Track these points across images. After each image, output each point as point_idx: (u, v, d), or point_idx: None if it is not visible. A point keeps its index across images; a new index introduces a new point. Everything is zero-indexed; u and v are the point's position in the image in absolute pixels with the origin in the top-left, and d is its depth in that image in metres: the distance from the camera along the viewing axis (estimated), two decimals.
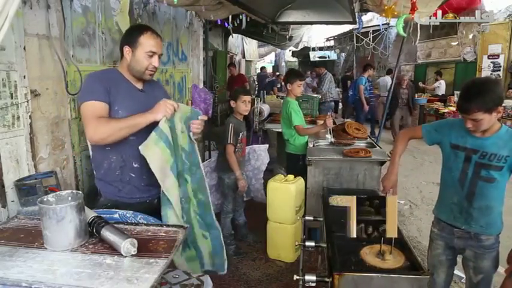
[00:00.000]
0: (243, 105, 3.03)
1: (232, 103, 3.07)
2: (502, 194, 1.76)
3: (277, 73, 14.77)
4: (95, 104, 1.58)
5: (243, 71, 12.72)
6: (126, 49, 1.69)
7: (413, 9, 3.24)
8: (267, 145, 3.64)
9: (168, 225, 1.44)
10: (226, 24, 4.56)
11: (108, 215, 1.48)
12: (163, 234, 1.35)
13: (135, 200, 1.73)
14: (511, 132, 1.71)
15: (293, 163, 3.35)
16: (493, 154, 1.69)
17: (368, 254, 1.58)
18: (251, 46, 12.62)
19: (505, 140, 1.68)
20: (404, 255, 1.56)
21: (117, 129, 1.53)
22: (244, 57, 12.53)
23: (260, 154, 3.70)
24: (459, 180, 1.80)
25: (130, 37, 1.69)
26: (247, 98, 3.05)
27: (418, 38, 4.21)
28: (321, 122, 3.82)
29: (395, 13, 3.55)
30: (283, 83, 10.50)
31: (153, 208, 1.76)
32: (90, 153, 1.83)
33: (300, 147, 3.32)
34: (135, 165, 1.70)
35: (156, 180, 1.66)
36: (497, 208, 1.76)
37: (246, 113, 3.11)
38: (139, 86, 1.78)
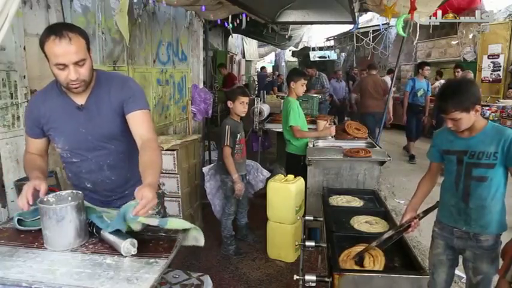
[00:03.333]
0: (240, 107, 2.94)
1: (229, 103, 2.98)
2: (499, 193, 1.74)
3: (277, 73, 14.77)
4: (27, 139, 1.57)
5: (243, 71, 12.72)
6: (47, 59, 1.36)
7: (412, 9, 3.24)
8: (269, 174, 3.55)
9: None
10: (226, 24, 4.55)
11: None
12: (163, 234, 1.35)
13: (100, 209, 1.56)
14: (497, 128, 1.71)
15: (293, 163, 3.33)
16: (481, 152, 1.70)
17: (346, 261, 1.54)
18: (251, 46, 12.63)
19: (491, 137, 1.69)
20: (385, 258, 1.54)
21: (26, 172, 1.50)
22: (244, 57, 12.54)
23: (259, 176, 3.56)
24: (454, 183, 1.82)
25: (40, 45, 1.35)
26: (246, 99, 2.95)
27: (417, 37, 4.22)
28: (321, 122, 3.82)
29: (395, 13, 3.56)
30: (284, 82, 10.64)
31: None
32: None
33: (300, 148, 3.28)
34: (88, 185, 1.59)
35: (119, 195, 1.63)
36: (495, 207, 1.75)
37: (244, 115, 3.04)
38: (80, 100, 1.47)
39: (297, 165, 3.24)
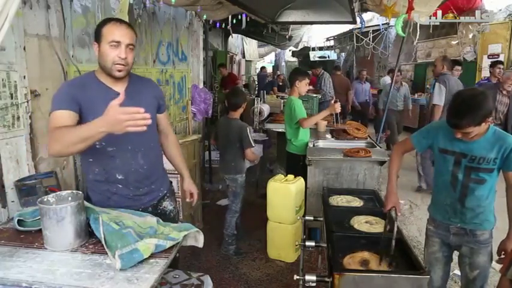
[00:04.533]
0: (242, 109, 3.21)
1: (243, 106, 3.16)
2: (492, 192, 1.79)
3: (278, 72, 14.76)
4: (57, 114, 1.43)
5: (243, 71, 12.73)
6: (95, 46, 1.52)
7: (409, 9, 3.25)
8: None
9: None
10: (217, 24, 4.55)
11: None
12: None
13: (125, 209, 1.58)
14: (498, 133, 1.72)
15: (293, 163, 3.33)
16: (482, 157, 1.71)
17: (351, 264, 1.55)
18: (251, 46, 12.63)
19: (492, 142, 1.69)
20: (389, 262, 1.53)
21: (68, 143, 1.30)
22: (244, 57, 12.53)
23: None
24: (451, 184, 1.83)
25: (96, 31, 1.52)
26: None
27: (417, 37, 4.21)
28: (321, 121, 3.83)
29: (395, 13, 3.56)
30: (283, 82, 10.62)
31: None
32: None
33: (301, 148, 3.29)
34: (119, 177, 1.60)
35: (147, 189, 1.67)
36: (489, 205, 1.80)
37: None
38: (118, 88, 1.56)
39: (296, 165, 3.24)
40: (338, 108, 3.23)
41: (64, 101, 1.45)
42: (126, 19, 2.73)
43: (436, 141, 1.86)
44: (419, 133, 1.96)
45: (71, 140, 1.29)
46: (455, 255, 1.98)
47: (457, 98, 1.66)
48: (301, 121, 3.20)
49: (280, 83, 10.47)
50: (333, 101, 3.30)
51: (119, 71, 1.50)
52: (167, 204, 1.82)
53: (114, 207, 1.58)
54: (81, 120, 1.47)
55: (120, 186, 1.61)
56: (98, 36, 1.50)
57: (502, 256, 1.78)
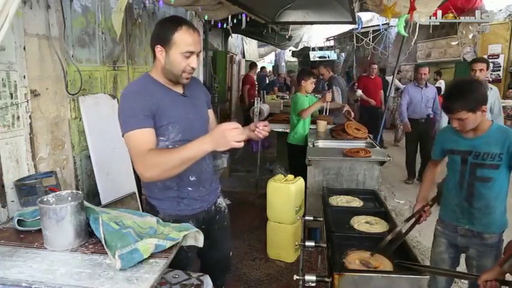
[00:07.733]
0: None
1: None
2: (502, 193, 1.77)
3: (277, 72, 14.75)
4: (138, 134, 1.34)
5: (243, 71, 12.74)
6: (158, 49, 1.42)
7: (411, 9, 3.25)
8: None
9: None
10: (219, 24, 4.55)
11: None
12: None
13: (195, 211, 1.62)
14: (502, 129, 1.73)
15: (294, 153, 3.69)
16: (486, 153, 1.71)
17: (351, 263, 1.53)
18: (251, 46, 12.60)
19: (495, 138, 1.70)
20: (390, 261, 1.53)
21: (169, 167, 1.29)
22: (244, 57, 12.52)
23: None
24: (458, 183, 1.83)
25: (162, 34, 1.41)
26: None
27: (416, 37, 4.22)
28: (321, 122, 3.89)
29: (395, 13, 3.56)
30: (291, 83, 10.58)
31: (211, 216, 1.74)
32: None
33: (299, 139, 3.69)
34: (192, 179, 1.58)
35: (210, 187, 1.69)
36: (499, 207, 1.77)
37: None
38: (179, 90, 1.54)
39: (297, 154, 3.51)
40: (329, 98, 3.65)
41: (141, 118, 1.36)
42: (121, 19, 2.74)
43: (444, 144, 1.90)
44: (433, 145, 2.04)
45: (173, 163, 1.29)
46: (462, 257, 1.96)
47: (452, 84, 1.75)
48: (300, 112, 3.64)
49: (289, 84, 10.44)
50: (326, 93, 3.72)
51: (187, 78, 1.47)
52: (221, 201, 1.83)
53: (184, 210, 1.59)
54: (158, 123, 1.42)
55: (190, 189, 1.58)
56: (165, 41, 1.39)
57: None
